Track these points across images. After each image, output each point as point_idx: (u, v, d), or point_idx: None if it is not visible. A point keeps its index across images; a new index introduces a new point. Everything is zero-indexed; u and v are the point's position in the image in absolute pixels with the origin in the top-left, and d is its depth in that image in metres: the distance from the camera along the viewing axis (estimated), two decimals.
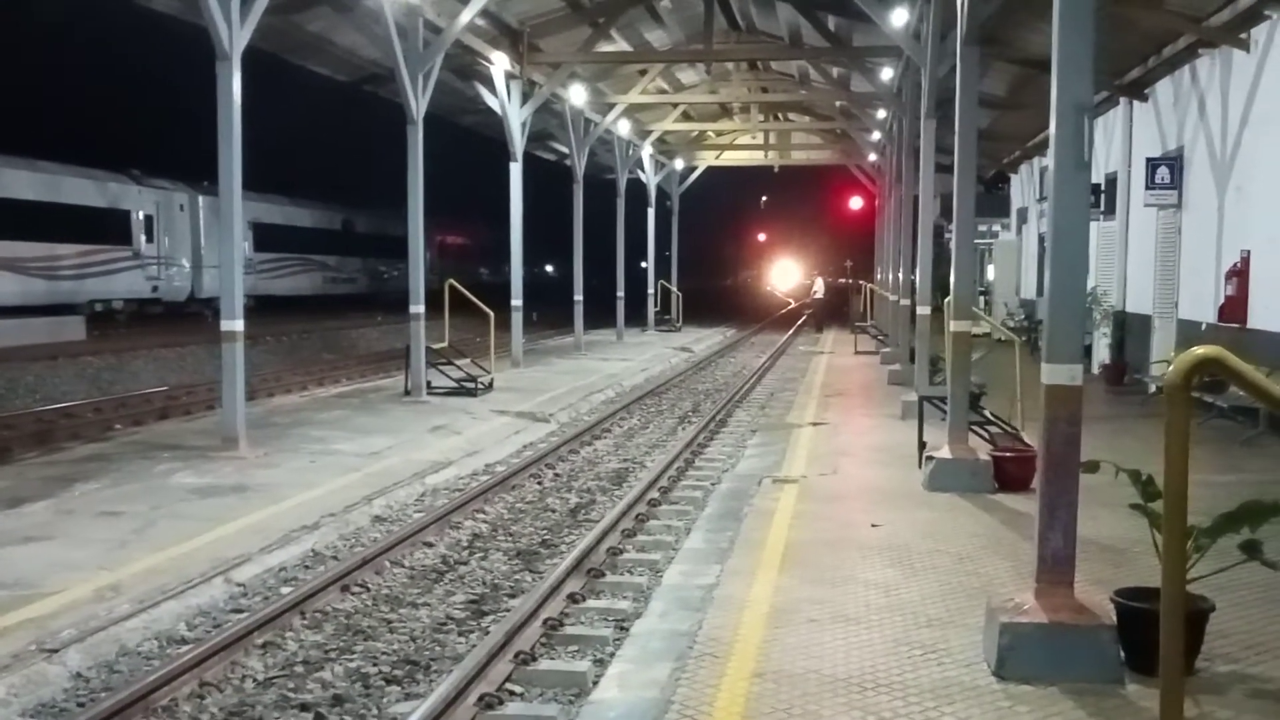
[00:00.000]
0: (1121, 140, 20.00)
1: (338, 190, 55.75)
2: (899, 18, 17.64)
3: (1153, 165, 17.50)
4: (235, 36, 12.76)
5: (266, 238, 40.82)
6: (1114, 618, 5.61)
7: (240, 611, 7.73)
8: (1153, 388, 16.37)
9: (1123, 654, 5.52)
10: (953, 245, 11.31)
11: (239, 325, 13.14)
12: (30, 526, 9.33)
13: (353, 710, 6.20)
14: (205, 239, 36.69)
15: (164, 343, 26.29)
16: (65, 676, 6.45)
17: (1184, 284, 16.99)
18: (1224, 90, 15.40)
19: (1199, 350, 3.90)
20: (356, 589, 8.28)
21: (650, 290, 41.02)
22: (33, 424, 15.10)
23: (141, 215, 34.65)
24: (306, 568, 8.91)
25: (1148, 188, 17.53)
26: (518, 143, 23.97)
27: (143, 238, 34.65)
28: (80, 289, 31.95)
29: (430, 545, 9.65)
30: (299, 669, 6.78)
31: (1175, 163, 17.17)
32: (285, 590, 8.15)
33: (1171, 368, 3.96)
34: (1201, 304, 15.90)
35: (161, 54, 50.27)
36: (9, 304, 28.25)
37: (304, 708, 6.21)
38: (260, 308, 36.68)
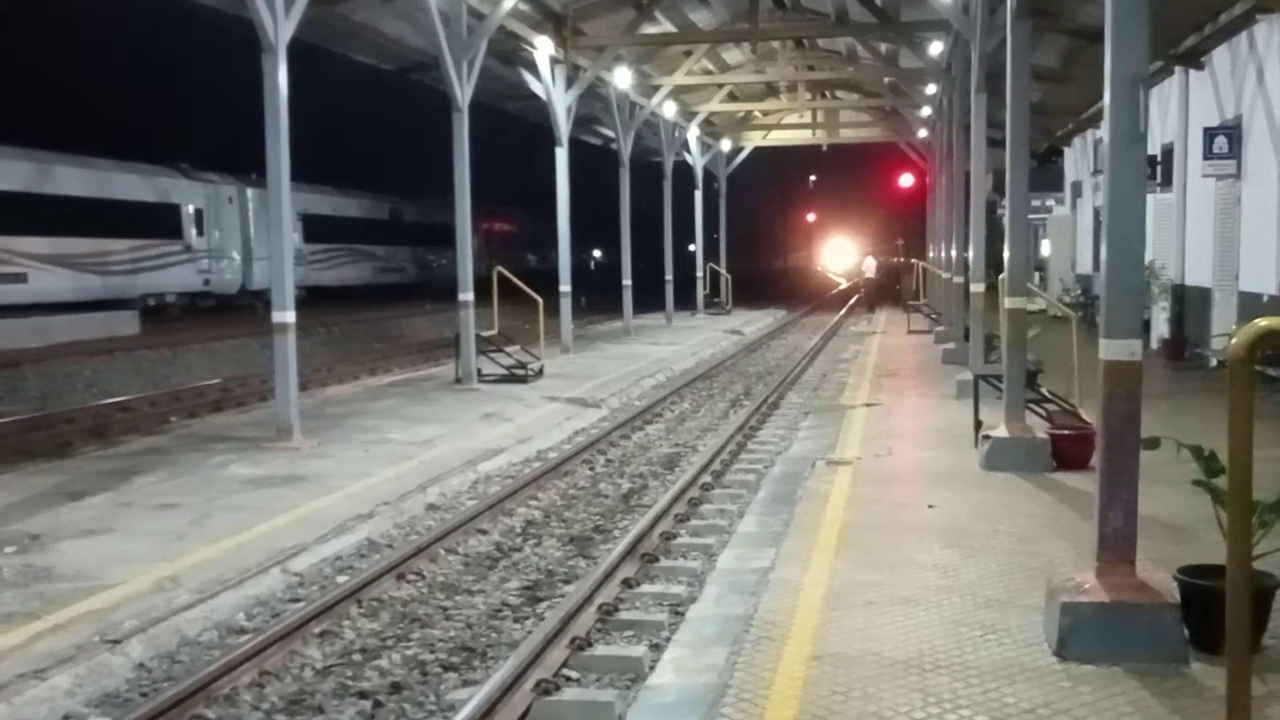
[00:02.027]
0: (1178, 110, 19.64)
1: (385, 180, 56.01)
2: None
3: (1210, 135, 17.17)
4: (280, 28, 12.82)
5: (316, 229, 41.08)
6: (1177, 596, 5.52)
7: (298, 601, 7.78)
8: (1214, 362, 16.10)
9: (1187, 633, 5.43)
10: (1006, 221, 11.16)
11: (290, 317, 13.21)
12: (90, 519, 9.45)
13: (411, 698, 6.22)
14: (255, 231, 36.97)
15: (216, 335, 26.55)
16: (128, 667, 6.52)
17: (1244, 255, 16.67)
18: None
19: (1262, 322, 3.81)
20: (412, 577, 8.31)
21: (699, 273, 40.91)
22: (90, 419, 15.29)
23: (191, 209, 34.97)
24: (362, 556, 8.95)
25: (1205, 158, 17.20)
26: (563, 128, 23.95)
27: (193, 231, 34.98)
28: (133, 283, 32.33)
29: (484, 532, 9.67)
30: (357, 657, 6.82)
31: (1234, 132, 16.83)
32: (341, 579, 8.20)
33: (1233, 341, 3.86)
34: (1263, 275, 15.59)
35: (207, 48, 50.73)
36: (63, 300, 28.64)
37: (363, 695, 6.24)
38: (310, 299, 36.94)
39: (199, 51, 62.13)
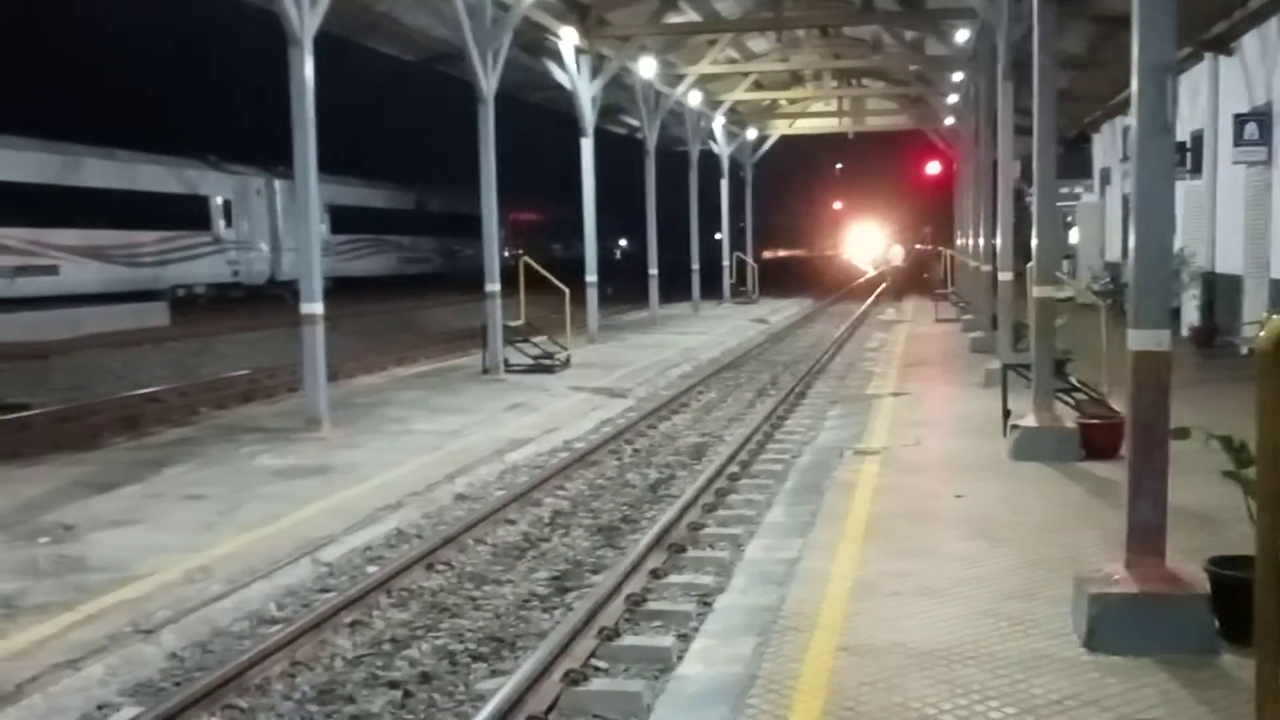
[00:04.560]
0: (1207, 96, 19.47)
1: (411, 170, 56.22)
2: None
3: (1241, 121, 17.02)
4: (306, 21, 12.88)
5: (343, 220, 41.25)
6: (1207, 587, 5.49)
7: (328, 591, 7.84)
8: (1244, 350, 15.97)
9: (1217, 624, 5.40)
10: (1034, 208, 11.11)
11: (319, 308, 13.30)
12: (121, 510, 9.54)
13: (440, 687, 6.26)
14: (283, 222, 37.16)
15: (245, 326, 26.73)
16: (161, 656, 6.59)
17: (1276, 242, 16.52)
18: None
19: None
20: (441, 567, 8.36)
21: (725, 262, 40.85)
22: (121, 409, 15.41)
23: (220, 200, 35.19)
24: (391, 546, 9.00)
25: (1236, 145, 17.05)
26: (588, 118, 23.97)
27: (222, 223, 35.19)
28: (162, 274, 32.57)
29: (512, 522, 9.71)
30: (387, 647, 6.86)
31: (1265, 118, 16.67)
32: (371, 569, 8.25)
33: (1264, 329, 3.84)
34: None
35: (235, 41, 50.97)
36: (94, 291, 28.87)
37: (393, 685, 6.28)
38: (337, 289, 37.08)
39: (226, 45, 62.56)
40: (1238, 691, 4.88)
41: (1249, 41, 17.63)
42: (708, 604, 7.12)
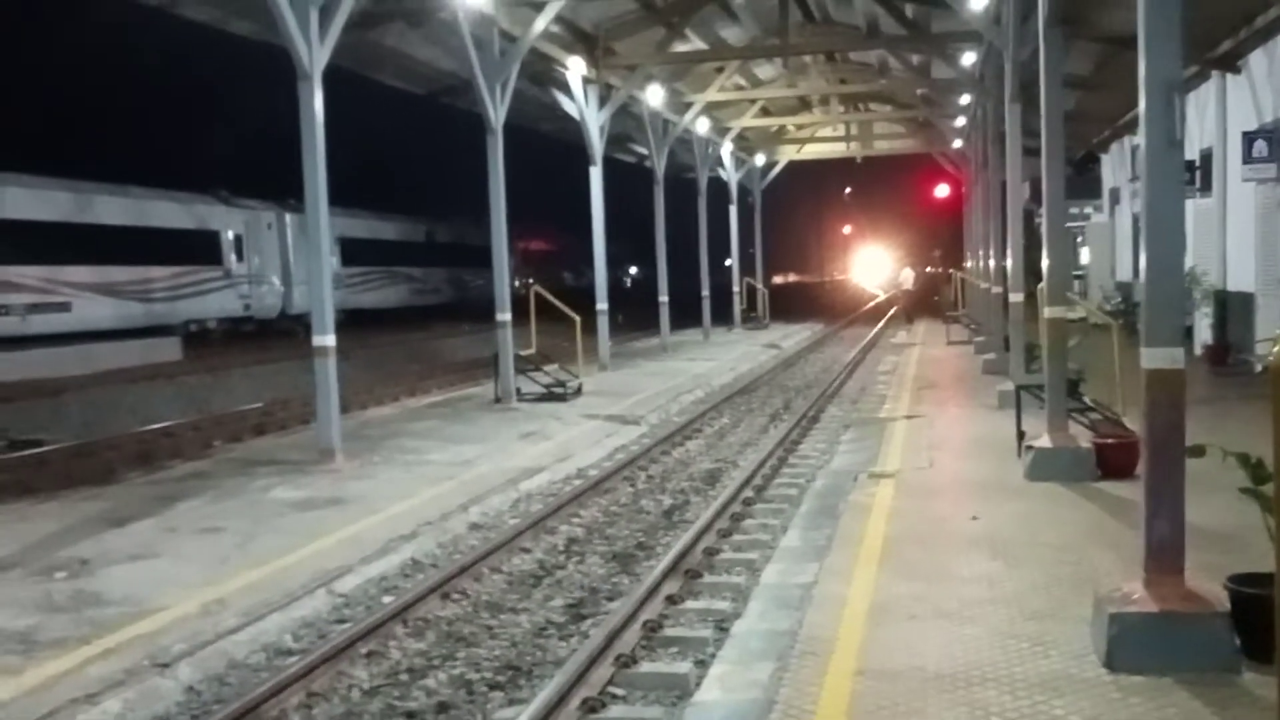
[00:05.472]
0: (1215, 115, 19.49)
1: (420, 202, 56.49)
2: (978, 2, 17.35)
3: (1249, 139, 17.02)
4: (315, 56, 12.95)
5: (353, 252, 41.35)
6: (1227, 605, 5.46)
7: (344, 622, 7.83)
8: (1258, 367, 15.91)
9: (1238, 642, 5.37)
10: (1044, 229, 11.11)
11: (331, 340, 13.32)
12: (136, 545, 9.54)
13: (457, 717, 6.25)
14: (294, 256, 37.29)
15: (258, 360, 26.77)
16: (177, 690, 6.58)
17: None
18: None
19: None
20: (456, 596, 8.35)
21: (735, 288, 40.89)
22: (135, 444, 15.44)
23: (231, 235, 35.32)
24: (406, 576, 9.00)
25: (1245, 162, 17.04)
26: (596, 146, 24.05)
27: (233, 257, 35.31)
28: (175, 310, 32.66)
29: (527, 550, 9.70)
30: (403, 677, 6.85)
31: (1273, 135, 16.67)
32: (387, 599, 8.25)
33: (1277, 346, 3.83)
34: None
35: (245, 76, 51.31)
36: (107, 327, 28.96)
37: (410, 716, 6.27)
38: (349, 321, 37.17)
39: (236, 80, 62.96)
40: (1262, 710, 4.84)
41: (1256, 59, 17.66)
42: (725, 629, 7.10)
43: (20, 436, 16.30)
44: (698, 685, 6.11)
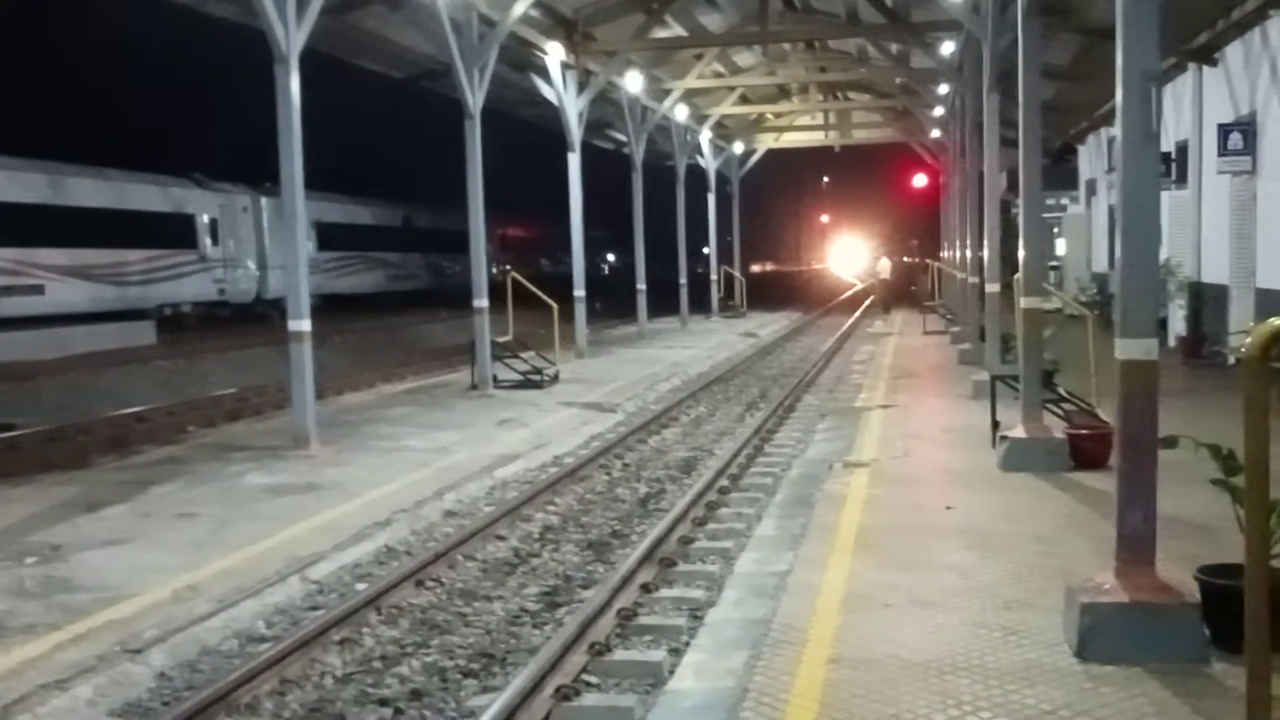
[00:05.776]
0: (1191, 107, 19.58)
1: (398, 187, 56.17)
2: None
3: (1225, 131, 17.11)
4: (292, 38, 12.87)
5: (329, 237, 41.13)
6: (1198, 595, 5.50)
7: (317, 609, 7.80)
8: (1231, 359, 16.03)
9: (1208, 632, 5.41)
10: (1020, 220, 11.14)
11: (306, 325, 13.26)
12: (109, 530, 9.49)
13: (431, 704, 6.24)
14: (270, 240, 37.06)
15: (232, 344, 26.62)
16: (149, 676, 6.55)
17: (1261, 252, 16.59)
18: None
19: (1277, 320, 3.80)
20: (431, 584, 8.33)
21: (713, 276, 40.91)
22: (108, 429, 15.34)
23: (206, 219, 35.07)
24: (380, 564, 8.97)
25: (1220, 154, 17.14)
26: (575, 133, 24.00)
27: (208, 241, 35.07)
28: (148, 294, 32.43)
29: (502, 538, 9.69)
30: (377, 664, 6.84)
31: (1249, 128, 16.77)
32: (360, 587, 8.22)
33: (1250, 338, 3.85)
34: None
35: (220, 58, 50.96)
36: (80, 310, 28.75)
37: (383, 702, 6.26)
38: (325, 306, 36.98)
39: (211, 62, 62.50)
40: (1230, 700, 4.87)
41: (1232, 52, 17.74)
42: (699, 618, 7.11)
43: None
44: (672, 673, 6.11)
